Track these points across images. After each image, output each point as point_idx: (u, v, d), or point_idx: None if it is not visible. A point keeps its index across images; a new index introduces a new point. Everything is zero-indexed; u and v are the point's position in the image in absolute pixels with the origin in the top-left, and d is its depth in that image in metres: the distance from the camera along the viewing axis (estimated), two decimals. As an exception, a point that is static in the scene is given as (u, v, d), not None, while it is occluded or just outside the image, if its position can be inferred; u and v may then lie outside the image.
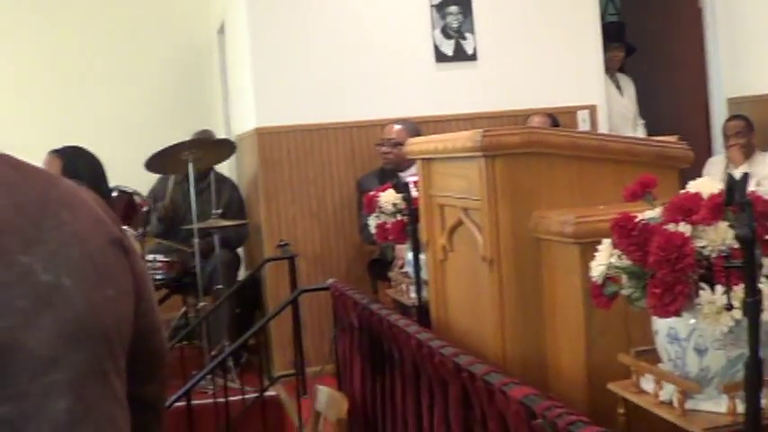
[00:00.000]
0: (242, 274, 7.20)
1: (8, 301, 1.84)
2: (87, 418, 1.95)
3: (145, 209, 5.83)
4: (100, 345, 1.99)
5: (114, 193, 4.85)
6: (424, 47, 6.61)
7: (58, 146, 4.27)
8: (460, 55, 6.66)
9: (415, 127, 6.05)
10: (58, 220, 1.98)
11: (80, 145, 4.22)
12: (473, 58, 6.67)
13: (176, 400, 4.74)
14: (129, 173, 5.94)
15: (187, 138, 6.85)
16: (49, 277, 1.91)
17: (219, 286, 6.34)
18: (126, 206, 5.10)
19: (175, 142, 6.37)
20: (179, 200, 7.01)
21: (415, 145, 3.65)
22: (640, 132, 7.14)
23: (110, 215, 2.14)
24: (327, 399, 3.99)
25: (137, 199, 5.49)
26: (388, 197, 4.17)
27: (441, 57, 6.64)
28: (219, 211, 6.39)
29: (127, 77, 8.43)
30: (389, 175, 5.89)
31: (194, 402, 5.01)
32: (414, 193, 3.81)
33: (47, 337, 1.89)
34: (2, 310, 1.82)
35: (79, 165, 3.96)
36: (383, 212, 4.20)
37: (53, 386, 1.89)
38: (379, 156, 6.22)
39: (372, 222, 4.33)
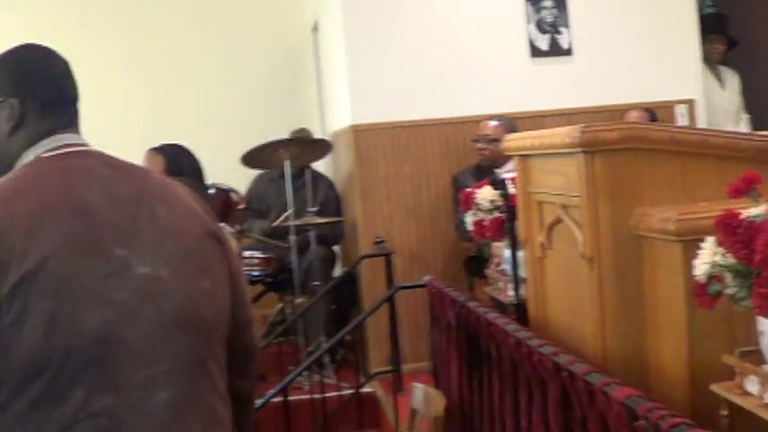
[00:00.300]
0: (338, 270, 7.22)
1: (108, 293, 1.88)
2: (189, 409, 1.99)
3: (241, 206, 5.88)
4: (199, 336, 2.02)
5: (211, 191, 4.88)
6: (518, 42, 6.55)
7: (157, 144, 4.30)
8: (556, 50, 6.59)
9: (512, 123, 5.99)
10: (153, 215, 2.03)
11: (178, 142, 4.26)
12: (568, 52, 6.59)
13: (273, 396, 4.76)
14: (225, 171, 5.98)
15: (283, 136, 6.91)
16: (147, 270, 1.95)
17: (316, 283, 6.38)
18: (223, 203, 5.13)
19: (272, 140, 6.43)
20: (273, 197, 7.06)
21: (513, 141, 3.61)
22: (743, 127, 6.97)
23: (205, 209, 2.18)
24: (424, 396, 3.98)
25: (233, 196, 5.53)
26: (485, 194, 4.13)
27: (536, 52, 6.57)
28: (316, 208, 6.42)
29: (223, 77, 8.53)
30: (485, 171, 5.86)
31: (291, 398, 5.03)
32: (511, 189, 3.78)
33: (146, 329, 1.93)
34: (102, 303, 1.87)
35: (182, 162, 4.01)
36: (480, 209, 4.17)
37: (154, 378, 1.93)
38: (475, 152, 6.18)
39: (469, 219, 4.30)
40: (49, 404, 1.84)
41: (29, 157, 2.09)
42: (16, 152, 2.12)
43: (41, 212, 1.90)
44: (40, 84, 2.14)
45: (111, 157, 2.14)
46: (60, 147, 2.08)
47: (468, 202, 4.26)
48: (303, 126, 7.29)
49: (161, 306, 1.96)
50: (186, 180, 3.02)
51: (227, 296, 2.16)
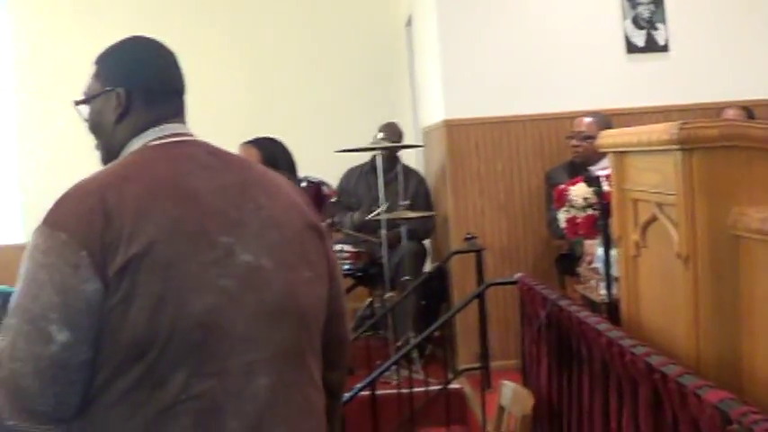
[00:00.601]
0: (428, 265, 7.21)
1: (211, 279, 1.92)
2: (286, 397, 2.01)
3: (333, 199, 5.90)
4: (297, 326, 2.05)
5: (303, 184, 4.91)
6: (614, 37, 6.48)
7: (252, 137, 4.34)
8: (652, 46, 6.50)
9: (606, 119, 5.92)
10: (256, 204, 2.06)
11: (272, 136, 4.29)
12: (665, 48, 6.50)
13: (361, 390, 4.78)
14: (315, 164, 6.01)
15: (374, 130, 6.93)
16: (249, 258, 1.99)
17: (406, 278, 6.37)
18: (314, 196, 5.16)
19: (362, 134, 6.46)
20: (364, 191, 7.09)
21: (608, 138, 3.56)
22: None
23: (305, 201, 2.21)
24: (513, 394, 3.96)
25: (325, 189, 5.56)
26: (579, 191, 4.08)
27: (632, 48, 6.49)
28: (407, 202, 6.42)
29: (317, 72, 8.58)
30: (578, 168, 5.79)
31: (378, 392, 5.04)
32: (605, 187, 3.73)
33: (248, 316, 1.96)
34: (205, 288, 1.90)
35: (278, 154, 4.04)
36: (573, 206, 4.12)
37: (254, 364, 1.95)
38: (569, 149, 6.12)
39: (562, 217, 4.25)
40: (151, 386, 1.88)
41: (136, 145, 2.14)
42: (123, 140, 2.18)
43: (149, 198, 1.94)
44: (147, 74, 2.19)
45: (216, 148, 2.19)
46: (167, 136, 2.13)
47: (562, 200, 4.21)
48: (392, 121, 7.26)
49: (262, 294, 1.99)
50: (281, 173, 3.05)
51: (326, 288, 2.19)
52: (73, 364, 1.86)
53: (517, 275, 4.56)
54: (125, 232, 1.87)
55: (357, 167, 7.29)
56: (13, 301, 1.92)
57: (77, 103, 2.27)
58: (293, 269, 2.07)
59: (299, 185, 4.21)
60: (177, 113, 2.20)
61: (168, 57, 2.24)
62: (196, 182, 2.02)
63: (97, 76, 2.23)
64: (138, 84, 2.18)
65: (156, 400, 1.88)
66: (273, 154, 4.07)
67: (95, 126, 2.25)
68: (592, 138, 5.66)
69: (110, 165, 2.10)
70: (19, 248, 6.90)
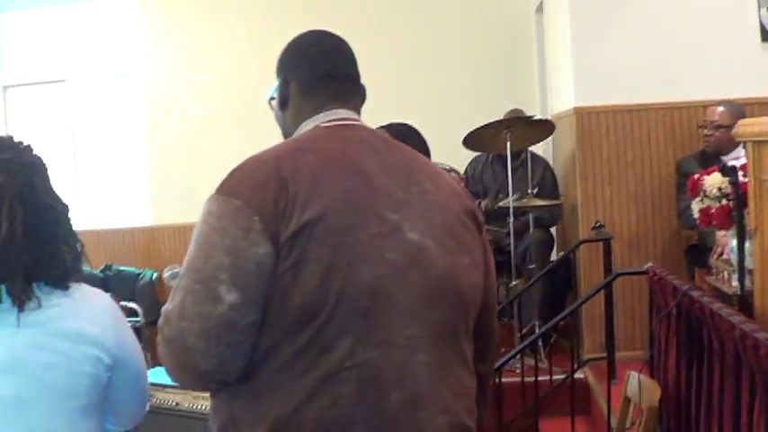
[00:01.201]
0: (554, 254, 7.16)
1: (379, 251, 1.97)
2: (442, 376, 2.05)
3: (462, 185, 5.91)
4: (456, 309, 2.09)
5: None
6: (749, 26, 6.31)
7: (385, 122, 4.35)
8: (788, 35, 6.31)
9: (740, 109, 5.78)
10: (421, 188, 2.11)
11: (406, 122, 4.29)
12: (801, 37, 6.30)
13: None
14: (441, 152, 6.01)
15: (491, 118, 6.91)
16: (415, 236, 2.03)
17: (532, 266, 6.35)
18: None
19: (492, 121, 6.43)
20: (489, 180, 7.07)
21: (747, 127, 3.48)
22: None
23: (462, 189, 2.24)
24: (639, 385, 3.92)
25: (453, 176, 5.57)
26: (713, 181, 4.01)
27: (767, 36, 6.31)
28: (536, 190, 6.38)
29: (443, 58, 8.54)
30: (710, 158, 5.69)
31: (502, 380, 5.04)
32: (740, 177, 3.66)
33: (412, 291, 2.00)
34: (374, 259, 1.95)
35: (412, 142, 4.04)
36: (707, 196, 4.05)
37: (414, 340, 1.99)
38: (701, 138, 6.00)
39: (695, 207, 4.18)
40: (318, 351, 1.93)
41: (308, 126, 2.22)
42: (293, 125, 2.27)
43: (323, 168, 2.01)
44: (303, 63, 2.28)
45: (383, 133, 2.32)
46: (336, 120, 2.21)
47: (696, 189, 4.14)
48: (517, 107, 7.21)
49: (426, 272, 2.03)
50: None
51: (481, 275, 2.21)
52: (239, 325, 1.93)
53: (647, 265, 4.49)
54: (299, 198, 1.94)
55: (482, 156, 7.27)
56: (184, 263, 2.00)
57: (269, 100, 2.37)
58: (454, 253, 2.10)
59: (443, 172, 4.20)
60: (342, 99, 2.26)
61: (332, 45, 2.32)
62: (366, 160, 2.08)
63: (275, 70, 2.34)
64: (293, 74, 2.28)
65: (322, 365, 1.93)
66: (406, 140, 4.07)
67: (276, 116, 2.35)
68: (724, 127, 5.55)
69: (283, 141, 2.20)
70: (147, 230, 7.16)
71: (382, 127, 4.12)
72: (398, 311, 1.98)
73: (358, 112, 2.29)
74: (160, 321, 2.03)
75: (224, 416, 2.05)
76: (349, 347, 1.93)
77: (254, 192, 1.95)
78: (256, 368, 1.97)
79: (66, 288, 2.18)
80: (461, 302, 2.10)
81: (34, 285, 2.13)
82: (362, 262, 1.95)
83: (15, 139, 2.26)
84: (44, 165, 2.27)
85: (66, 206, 2.27)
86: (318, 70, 2.26)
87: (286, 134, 2.30)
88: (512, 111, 7.09)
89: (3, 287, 2.10)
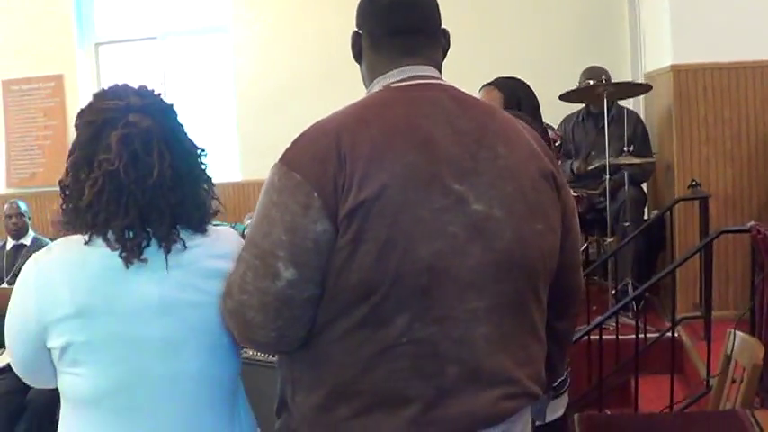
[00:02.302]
0: (645, 212, 7.11)
1: (441, 226, 1.98)
2: (502, 346, 2.06)
3: (558, 143, 5.90)
4: (523, 277, 2.08)
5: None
6: None
7: (478, 78, 4.31)
8: None
9: None
10: (493, 153, 2.08)
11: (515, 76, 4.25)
12: None
13: (585, 334, 4.79)
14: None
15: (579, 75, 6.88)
16: (481, 207, 2.02)
17: (626, 224, 6.32)
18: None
19: (585, 80, 6.39)
20: (581, 138, 7.04)
21: None
22: None
23: (544, 149, 2.20)
24: (741, 343, 3.90)
25: (550, 133, 5.55)
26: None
27: None
28: (630, 148, 6.33)
29: (533, 13, 8.45)
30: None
31: (594, 338, 5.05)
32: None
33: (474, 265, 2.01)
34: (434, 234, 1.96)
35: (521, 95, 3.99)
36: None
37: (475, 313, 2.01)
38: None
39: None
40: (374, 326, 1.96)
41: (379, 85, 2.20)
42: (367, 79, 2.27)
43: (384, 142, 1.99)
44: (373, 17, 2.25)
45: (459, 92, 2.19)
46: (409, 78, 2.17)
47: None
48: (596, 65, 7.12)
49: (491, 244, 2.01)
50: (522, 116, 3.03)
51: (558, 239, 2.18)
52: (296, 300, 1.97)
53: (750, 223, 4.46)
54: (357, 176, 1.93)
55: (572, 114, 7.23)
56: (248, 234, 2.05)
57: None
58: (526, 221, 2.07)
59: (543, 128, 4.17)
60: (412, 53, 2.20)
61: None
62: (433, 127, 2.04)
63: None
64: (365, 26, 2.25)
65: (378, 340, 1.96)
66: (516, 94, 4.03)
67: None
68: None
69: (349, 105, 2.14)
70: (237, 186, 7.24)
71: (490, 83, 4.10)
72: (459, 286, 1.98)
73: (437, 63, 2.24)
74: (223, 291, 2.09)
75: (287, 374, 2.12)
76: (406, 324, 1.95)
77: (314, 166, 1.95)
78: (314, 339, 2.01)
79: (204, 231, 2.23)
80: (530, 271, 2.08)
81: (178, 228, 2.17)
82: (421, 238, 1.94)
83: (150, 89, 2.29)
84: (177, 113, 2.31)
85: (203, 149, 2.31)
86: (387, 25, 2.22)
87: (366, 86, 2.28)
88: (591, 68, 7.02)
89: (150, 230, 2.14)
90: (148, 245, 2.13)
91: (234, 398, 2.32)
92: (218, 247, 2.22)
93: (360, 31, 2.25)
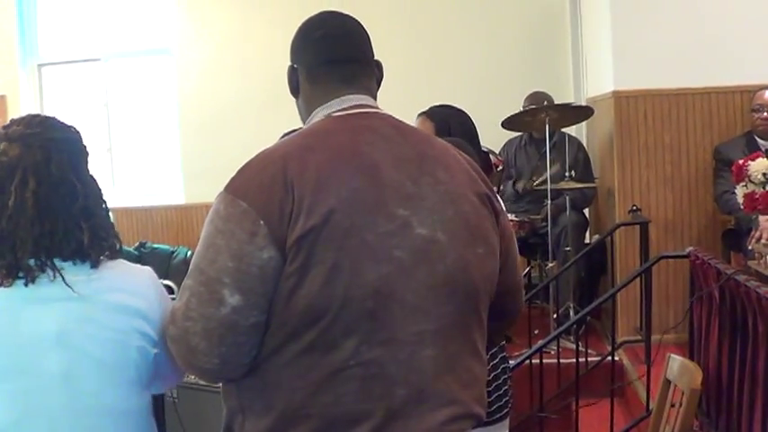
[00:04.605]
0: (587, 237, 7.17)
1: (387, 250, 1.99)
2: (449, 368, 2.08)
3: (499, 168, 5.92)
4: (466, 299, 2.10)
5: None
6: (787, 10, 6.28)
7: (420, 105, 4.33)
8: (828, 21, 6.27)
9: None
10: (434, 179, 2.11)
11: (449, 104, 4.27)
12: (842, 24, 6.27)
13: (527, 358, 4.79)
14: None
15: (523, 100, 6.94)
16: (425, 231, 2.04)
17: (568, 248, 6.36)
18: (483, 165, 5.17)
19: (528, 105, 6.45)
20: (523, 162, 7.09)
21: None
22: None
23: (480, 175, 2.23)
24: (680, 368, 3.93)
25: (492, 158, 5.58)
26: (759, 166, 4.04)
27: (806, 22, 6.28)
28: (572, 173, 6.38)
29: (477, 39, 8.49)
30: (751, 143, 5.71)
31: (536, 362, 5.05)
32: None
33: (419, 288, 2.02)
34: (381, 258, 1.97)
35: (452, 124, 4.02)
36: (752, 181, 4.07)
37: (421, 335, 2.03)
38: (749, 122, 5.97)
39: (740, 191, 4.21)
40: (322, 350, 1.96)
41: (319, 115, 2.20)
42: (305, 112, 2.27)
43: (329, 168, 1.99)
44: (307, 49, 2.25)
45: (397, 120, 2.22)
46: (349, 107, 2.18)
47: (740, 175, 4.16)
48: (539, 90, 7.20)
49: (435, 267, 2.03)
50: (457, 141, 3.04)
51: (497, 262, 2.20)
52: (241, 326, 1.96)
53: (688, 249, 4.51)
54: (305, 203, 1.94)
55: (514, 139, 7.30)
56: (193, 262, 2.03)
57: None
58: (467, 244, 2.09)
59: (483, 154, 4.19)
60: (348, 82, 2.21)
61: (333, 28, 2.27)
62: (376, 154, 2.06)
63: None
64: (300, 59, 2.26)
65: (326, 363, 1.95)
66: (447, 122, 4.06)
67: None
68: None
69: (293, 134, 2.15)
70: (180, 209, 7.16)
71: (425, 113, 4.10)
72: (405, 309, 1.99)
73: (372, 92, 2.26)
74: (167, 320, 2.08)
75: (234, 402, 2.10)
76: (354, 347, 1.95)
77: (261, 194, 1.96)
78: (262, 364, 2.01)
79: (94, 264, 2.18)
80: (473, 294, 2.10)
81: (56, 260, 2.14)
82: (368, 262, 1.95)
83: (53, 119, 2.27)
84: (78, 145, 2.27)
85: (97, 188, 2.27)
86: (322, 56, 2.23)
87: (302, 116, 2.29)
88: (534, 94, 7.10)
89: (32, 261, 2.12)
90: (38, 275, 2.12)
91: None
92: (125, 282, 2.21)
93: (295, 66, 2.26)
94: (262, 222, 1.93)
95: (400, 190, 2.04)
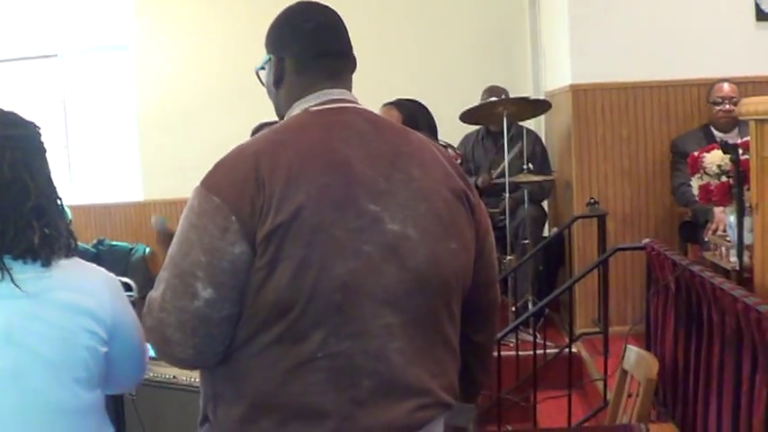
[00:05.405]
0: (546, 230, 7.20)
1: (356, 245, 2.02)
2: (417, 360, 2.11)
3: (458, 161, 5.93)
4: (436, 294, 2.13)
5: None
6: (744, 4, 6.32)
7: (378, 98, 4.32)
8: (783, 14, 6.34)
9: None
10: (407, 175, 2.13)
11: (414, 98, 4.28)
12: (797, 18, 6.35)
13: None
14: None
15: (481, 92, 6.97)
16: (397, 227, 2.07)
17: (526, 241, 6.39)
18: (442, 159, 5.19)
19: (486, 99, 6.45)
20: (481, 156, 7.11)
21: (750, 105, 3.53)
22: None
23: (456, 170, 2.24)
24: (637, 358, 3.96)
25: (450, 152, 5.59)
26: (713, 158, 4.07)
27: (762, 15, 6.33)
28: (530, 165, 6.41)
29: (437, 34, 8.50)
30: (709, 135, 5.76)
31: (494, 354, 5.07)
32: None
33: (388, 282, 2.05)
34: (349, 253, 2.00)
35: (419, 116, 4.03)
36: (707, 173, 4.11)
37: (389, 328, 2.06)
38: (711, 114, 6.03)
39: (695, 183, 4.24)
40: (291, 342, 2.00)
41: (297, 109, 2.22)
42: (285, 105, 2.28)
43: (300, 164, 2.02)
44: (296, 40, 2.25)
45: (374, 115, 2.25)
46: (327, 102, 2.20)
47: (695, 166, 4.20)
48: (495, 84, 7.22)
49: (405, 263, 2.06)
50: (422, 134, 3.07)
51: (471, 257, 2.24)
52: (214, 319, 2.00)
53: (645, 241, 4.54)
54: (275, 199, 1.97)
55: (472, 134, 7.31)
56: (168, 254, 2.06)
57: (258, 70, 2.36)
58: (439, 240, 2.12)
59: (442, 148, 4.21)
60: (334, 76, 2.24)
61: (322, 18, 2.28)
62: (348, 150, 2.08)
63: (265, 43, 2.32)
64: (288, 50, 2.25)
65: (294, 355, 2.00)
66: (415, 116, 4.07)
67: (267, 91, 2.34)
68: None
69: (269, 129, 2.18)
70: (138, 205, 7.11)
71: (390, 103, 4.11)
72: (374, 302, 2.03)
73: (350, 87, 2.28)
74: (144, 310, 2.10)
75: (208, 390, 2.15)
76: (321, 339, 1.99)
77: (234, 190, 1.99)
78: (234, 353, 2.05)
79: (45, 263, 2.18)
80: (443, 288, 2.14)
81: (6, 259, 2.14)
82: (336, 257, 1.99)
83: (12, 114, 2.25)
84: (34, 142, 2.26)
85: (52, 186, 2.27)
86: (314, 48, 2.24)
87: (278, 111, 2.31)
88: (491, 88, 7.12)
89: None
90: None
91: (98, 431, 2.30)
92: (75, 281, 2.20)
93: (282, 57, 2.26)
94: (233, 218, 1.97)
95: (371, 186, 2.06)
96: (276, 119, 2.33)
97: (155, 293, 2.06)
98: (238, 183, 1.99)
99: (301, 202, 1.97)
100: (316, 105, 2.19)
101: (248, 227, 1.96)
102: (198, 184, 2.05)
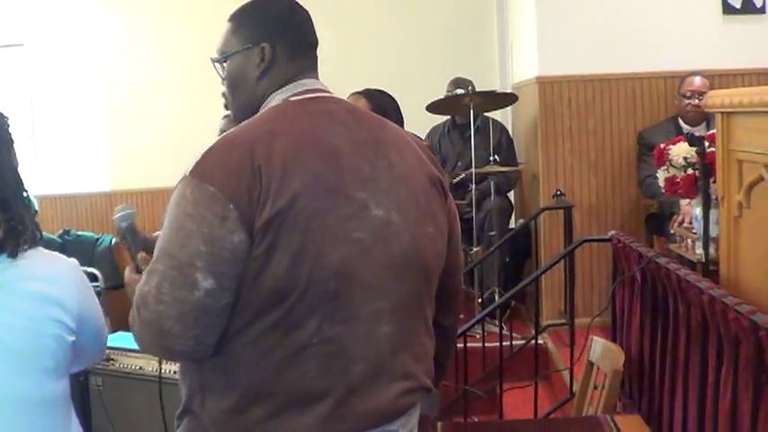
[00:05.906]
0: (512, 221, 7.22)
1: (347, 232, 2.04)
2: (404, 343, 2.14)
3: (428, 152, 5.94)
4: (420, 277, 2.16)
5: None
6: (711, -2, 6.38)
7: (345, 88, 4.31)
8: (749, 7, 6.37)
9: (707, 81, 5.93)
10: (388, 162, 2.16)
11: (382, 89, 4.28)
12: (762, 10, 6.38)
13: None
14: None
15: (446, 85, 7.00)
16: (381, 212, 2.09)
17: (492, 233, 6.40)
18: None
19: (452, 90, 6.45)
20: (448, 148, 7.11)
21: (716, 98, 3.54)
22: None
23: (430, 157, 2.28)
24: (603, 350, 3.98)
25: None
26: (679, 150, 4.09)
27: (728, 9, 6.38)
28: (496, 157, 6.42)
29: (404, 25, 8.48)
30: (676, 128, 5.79)
31: (460, 345, 5.07)
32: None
33: (377, 267, 2.07)
34: (341, 240, 2.02)
35: (387, 108, 4.03)
36: (673, 166, 4.13)
37: (379, 313, 2.08)
38: (680, 107, 6.04)
39: (661, 175, 4.26)
40: (286, 329, 2.01)
41: (275, 100, 2.23)
42: (262, 95, 2.27)
43: (294, 153, 2.03)
44: (289, 29, 2.28)
45: (352, 106, 2.30)
46: (306, 91, 2.22)
47: (662, 158, 4.21)
48: (461, 76, 7.22)
49: (391, 247, 2.09)
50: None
51: (445, 241, 2.28)
52: (214, 308, 1.99)
53: (611, 232, 4.56)
54: (273, 187, 1.97)
55: (438, 126, 7.31)
56: (158, 246, 2.03)
57: (215, 60, 2.33)
58: (419, 224, 2.16)
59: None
60: (312, 68, 2.29)
61: (303, 12, 2.32)
62: (335, 138, 2.11)
63: (235, 33, 2.29)
64: (281, 39, 2.25)
65: (290, 342, 2.01)
66: (383, 105, 4.07)
67: (234, 83, 2.31)
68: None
69: (254, 118, 2.17)
70: (106, 195, 7.04)
71: (359, 92, 4.11)
72: (364, 288, 2.05)
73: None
74: (137, 302, 2.07)
75: (194, 382, 2.13)
76: (316, 326, 2.00)
77: (228, 178, 1.98)
78: (227, 343, 2.04)
79: (12, 255, 2.18)
80: (425, 271, 2.18)
81: None
82: (330, 245, 2.00)
83: None
84: (0, 134, 2.28)
85: (17, 178, 2.28)
86: (305, 39, 2.29)
87: (247, 105, 2.28)
88: (457, 79, 7.11)
89: None
90: None
91: (64, 421, 2.29)
92: (41, 271, 2.21)
93: (274, 46, 2.25)
94: (231, 206, 1.96)
95: (358, 173, 2.09)
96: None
97: (146, 287, 2.03)
98: (233, 172, 1.98)
99: (297, 189, 1.98)
100: (294, 95, 2.21)
101: (246, 215, 1.96)
102: (186, 174, 2.03)
